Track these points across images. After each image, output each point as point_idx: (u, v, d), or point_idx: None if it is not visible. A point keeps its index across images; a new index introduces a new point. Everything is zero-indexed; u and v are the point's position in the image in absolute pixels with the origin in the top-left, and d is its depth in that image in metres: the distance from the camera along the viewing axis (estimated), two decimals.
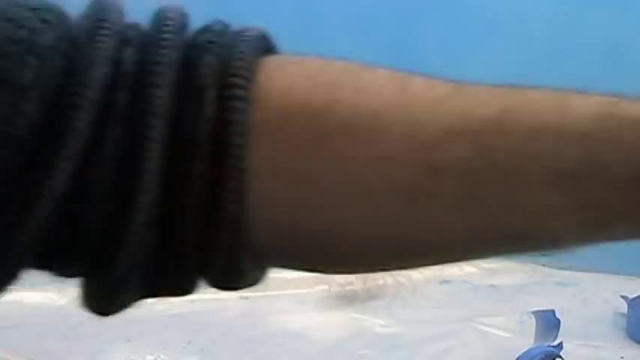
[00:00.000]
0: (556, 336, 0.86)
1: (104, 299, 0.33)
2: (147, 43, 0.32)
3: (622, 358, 0.87)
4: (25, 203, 0.30)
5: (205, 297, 1.01)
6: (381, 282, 1.05)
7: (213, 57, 0.32)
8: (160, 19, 0.33)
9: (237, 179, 0.31)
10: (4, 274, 0.32)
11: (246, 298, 1.00)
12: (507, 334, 0.93)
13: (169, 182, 0.31)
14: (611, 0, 0.99)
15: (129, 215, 0.31)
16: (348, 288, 1.04)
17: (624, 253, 1.04)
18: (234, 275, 0.34)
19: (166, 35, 0.32)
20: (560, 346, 0.84)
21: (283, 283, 1.03)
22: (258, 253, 0.33)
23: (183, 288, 0.34)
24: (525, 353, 0.84)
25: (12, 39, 0.30)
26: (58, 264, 0.33)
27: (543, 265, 1.09)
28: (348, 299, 1.01)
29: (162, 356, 0.87)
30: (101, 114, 0.30)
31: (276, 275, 1.15)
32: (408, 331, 0.92)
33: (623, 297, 0.96)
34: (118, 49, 0.31)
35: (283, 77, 0.32)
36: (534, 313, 0.90)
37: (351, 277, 1.06)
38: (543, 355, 0.83)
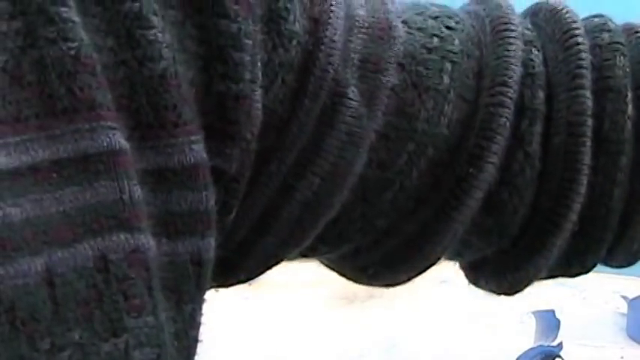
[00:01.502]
0: (556, 336, 0.86)
1: (514, 282, 0.37)
2: (552, 43, 0.35)
3: (622, 358, 0.87)
4: (456, 195, 0.33)
5: (205, 297, 1.00)
6: None
7: (624, 58, 0.35)
8: (560, 20, 0.35)
9: None
10: (431, 262, 0.35)
11: (247, 298, 1.00)
12: (507, 334, 0.93)
13: (597, 174, 0.34)
14: (612, 1, 0.99)
15: (567, 205, 0.34)
16: (348, 288, 1.04)
17: None
18: (637, 258, 0.37)
19: (578, 39, 0.35)
20: (560, 346, 0.84)
21: (284, 284, 1.03)
22: None
23: (580, 273, 0.38)
24: (525, 353, 0.84)
25: (427, 47, 0.33)
26: (471, 250, 0.36)
27: None
28: (348, 299, 1.01)
29: None
30: (517, 111, 0.33)
31: (277, 276, 1.15)
32: (408, 331, 0.92)
33: (623, 297, 0.96)
34: (525, 51, 0.34)
35: None
36: (534, 313, 0.90)
37: None
38: (543, 355, 0.83)
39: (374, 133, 0.32)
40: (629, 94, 0.35)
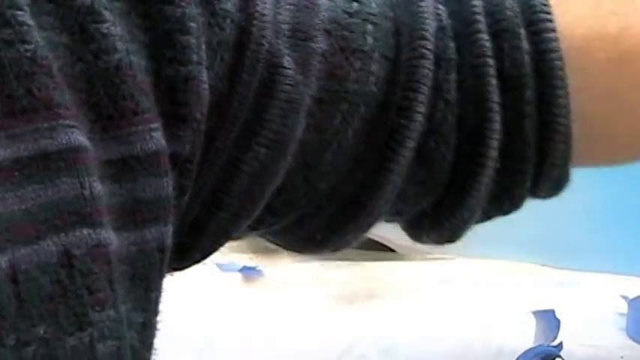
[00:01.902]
0: (556, 336, 0.86)
1: (453, 228, 0.40)
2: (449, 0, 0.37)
3: (622, 358, 0.87)
4: (391, 147, 0.36)
5: (205, 296, 1.01)
6: (381, 282, 1.05)
7: (512, 0, 0.38)
8: None
9: (565, 96, 0.37)
10: (375, 218, 0.38)
11: (246, 298, 1.00)
12: (507, 334, 0.93)
13: (506, 111, 0.37)
14: None
15: (486, 143, 0.37)
16: (348, 288, 1.04)
17: (624, 253, 1.04)
18: (562, 184, 0.41)
19: None
20: (560, 346, 0.84)
21: (283, 283, 1.03)
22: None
23: (512, 208, 0.41)
24: (525, 353, 0.83)
25: (348, 12, 0.35)
26: (409, 206, 0.39)
27: (543, 265, 1.09)
28: (348, 299, 1.01)
29: (162, 356, 0.87)
30: (436, 62, 0.36)
31: (276, 275, 1.15)
32: (408, 331, 0.92)
33: (623, 297, 0.96)
34: (434, 7, 0.37)
35: (570, 11, 0.39)
36: (534, 313, 0.90)
37: (351, 277, 1.06)
38: (543, 355, 0.83)
39: (310, 98, 0.34)
40: (522, 32, 0.37)
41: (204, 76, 0.30)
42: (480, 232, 1.14)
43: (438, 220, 0.40)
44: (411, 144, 0.36)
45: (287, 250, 0.41)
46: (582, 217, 1.09)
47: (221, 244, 0.36)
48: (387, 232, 1.21)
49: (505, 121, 0.37)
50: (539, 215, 1.14)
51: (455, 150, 0.38)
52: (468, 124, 0.37)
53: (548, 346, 0.84)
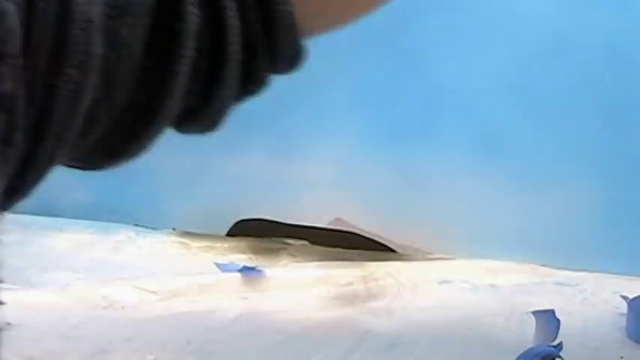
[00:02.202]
0: (556, 336, 0.86)
1: (211, 117, 0.45)
2: None
3: (622, 358, 0.87)
4: (174, 50, 0.39)
5: (205, 297, 1.01)
6: (381, 282, 1.05)
7: None
8: None
9: None
10: (170, 119, 0.41)
11: (246, 298, 1.00)
12: (507, 334, 0.93)
13: (239, 11, 0.42)
14: (612, 1, 0.99)
15: (226, 40, 0.41)
16: (348, 288, 1.04)
17: (624, 253, 1.04)
18: (298, 58, 0.46)
19: None
20: (560, 346, 0.84)
21: (283, 283, 1.03)
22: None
23: (259, 88, 0.46)
24: (525, 353, 0.83)
25: None
26: (186, 102, 0.42)
27: (543, 265, 1.09)
28: (348, 299, 1.01)
29: (162, 356, 0.87)
30: None
31: (276, 275, 1.15)
32: (408, 331, 0.92)
33: (623, 297, 0.96)
34: None
35: None
36: (534, 313, 0.90)
37: (351, 277, 1.06)
38: (543, 355, 0.83)
39: (99, 16, 0.36)
40: None
41: (12, 9, 0.31)
42: (480, 232, 1.14)
43: (199, 112, 0.43)
44: (191, 44, 0.39)
45: (90, 169, 0.43)
46: (582, 217, 1.09)
47: (46, 175, 0.37)
48: (387, 232, 1.21)
49: (243, 18, 0.42)
50: (539, 215, 1.14)
51: (210, 47, 0.41)
52: (212, 24, 0.41)
53: (548, 346, 0.84)
